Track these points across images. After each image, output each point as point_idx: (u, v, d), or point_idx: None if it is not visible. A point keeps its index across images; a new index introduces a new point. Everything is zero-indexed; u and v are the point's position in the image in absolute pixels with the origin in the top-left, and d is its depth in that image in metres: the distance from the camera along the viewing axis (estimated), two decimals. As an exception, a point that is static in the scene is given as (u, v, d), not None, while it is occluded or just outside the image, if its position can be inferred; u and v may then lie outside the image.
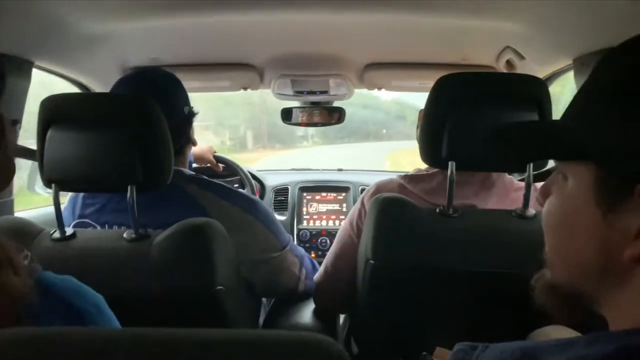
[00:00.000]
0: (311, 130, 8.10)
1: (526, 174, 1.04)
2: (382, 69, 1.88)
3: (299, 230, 2.28)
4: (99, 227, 1.15)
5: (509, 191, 1.20)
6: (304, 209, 2.34)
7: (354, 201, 2.24)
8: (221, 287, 0.99)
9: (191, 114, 1.26)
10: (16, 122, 1.28)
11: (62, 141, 0.98)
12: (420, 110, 1.22)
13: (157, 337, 0.48)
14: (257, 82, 1.99)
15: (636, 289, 0.42)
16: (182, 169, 1.21)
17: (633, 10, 0.97)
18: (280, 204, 2.35)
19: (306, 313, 1.41)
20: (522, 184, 1.08)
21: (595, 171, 0.43)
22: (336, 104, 2.24)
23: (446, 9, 1.29)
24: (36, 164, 1.09)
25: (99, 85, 1.70)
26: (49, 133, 0.98)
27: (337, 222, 2.29)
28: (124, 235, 1.00)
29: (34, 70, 1.32)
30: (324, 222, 2.31)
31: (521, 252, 1.02)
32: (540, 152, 0.63)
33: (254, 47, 1.74)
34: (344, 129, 9.02)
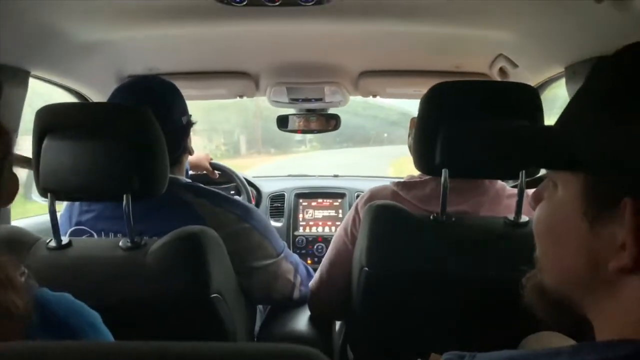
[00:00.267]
0: (309, 134, 7.89)
1: (519, 181, 1.05)
2: (376, 76, 1.90)
3: (295, 236, 2.28)
4: (95, 235, 1.15)
5: (502, 198, 1.20)
6: (300, 216, 2.34)
7: (350, 207, 2.24)
8: (217, 294, 0.99)
9: (189, 124, 1.26)
10: (13, 132, 1.28)
11: (57, 150, 0.98)
12: (412, 118, 1.23)
13: (124, 351, 0.47)
14: (253, 90, 2.00)
15: (621, 300, 0.41)
16: (178, 176, 1.21)
17: (623, 19, 0.98)
18: (277, 211, 2.35)
19: (302, 320, 1.41)
20: (515, 190, 1.09)
21: (583, 180, 0.43)
22: (332, 110, 2.25)
23: (440, 18, 1.30)
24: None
25: (96, 94, 1.71)
26: (45, 142, 0.98)
27: (333, 229, 2.29)
28: (120, 244, 1.01)
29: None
30: (320, 229, 2.31)
31: (514, 259, 1.03)
32: (529, 160, 0.63)
33: (250, 56, 1.75)
34: (343, 134, 8.72)
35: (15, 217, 1.53)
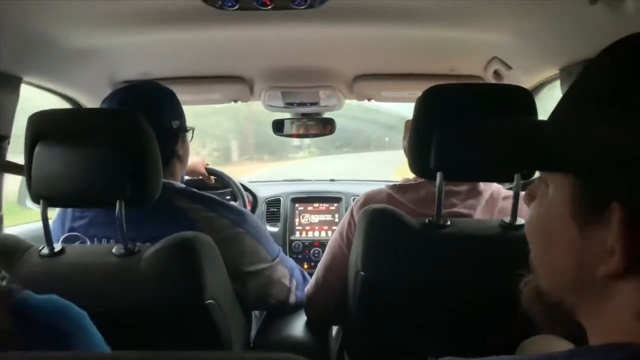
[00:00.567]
0: (307, 139, 7.01)
1: (514, 184, 1.05)
2: (371, 80, 1.90)
3: (291, 241, 2.27)
4: (88, 241, 1.14)
5: (498, 200, 1.20)
6: (296, 220, 2.33)
7: (346, 211, 2.24)
8: (211, 300, 0.99)
9: (181, 129, 1.25)
10: (5, 138, 1.27)
11: (50, 156, 0.97)
12: (407, 121, 1.23)
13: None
14: (247, 95, 2.00)
15: (610, 304, 0.41)
16: (171, 181, 1.20)
17: (617, 20, 0.99)
18: (273, 215, 2.34)
19: (298, 326, 1.40)
20: (511, 193, 1.09)
21: (573, 182, 0.43)
22: (328, 114, 2.25)
23: (434, 20, 1.30)
24: None
25: (90, 100, 1.70)
26: (37, 148, 0.98)
27: (329, 233, 2.28)
28: (113, 250, 1.00)
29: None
30: (316, 233, 2.31)
31: (510, 262, 1.02)
32: (521, 160, 0.63)
33: (244, 60, 1.74)
34: (342, 138, 8.37)
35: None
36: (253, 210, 2.30)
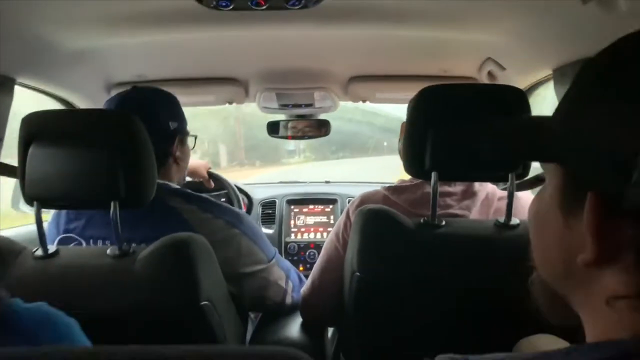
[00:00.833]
0: (302, 144, 7.09)
1: (508, 183, 1.05)
2: (365, 81, 1.90)
3: (286, 243, 2.27)
4: (84, 242, 1.14)
5: (493, 201, 1.21)
6: (292, 222, 2.33)
7: (342, 213, 2.24)
8: (206, 302, 0.98)
9: (179, 131, 1.25)
10: None
11: (43, 158, 0.97)
12: (403, 122, 1.24)
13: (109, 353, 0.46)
14: (242, 96, 2.00)
15: (595, 294, 0.41)
16: (166, 182, 1.20)
17: (610, 20, 0.99)
18: (268, 217, 2.34)
19: (294, 327, 1.40)
20: (506, 193, 1.09)
21: (561, 173, 0.44)
22: (323, 116, 2.25)
23: (427, 21, 1.31)
24: None
25: (84, 102, 1.69)
26: (31, 150, 0.97)
27: (325, 235, 2.28)
28: (108, 251, 0.99)
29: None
30: (311, 235, 2.30)
31: (505, 261, 1.03)
32: (516, 155, 0.63)
33: (239, 62, 1.74)
34: (339, 142, 8.11)
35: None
36: (248, 212, 2.29)
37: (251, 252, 1.21)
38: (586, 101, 0.41)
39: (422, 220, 1.08)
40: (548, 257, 0.48)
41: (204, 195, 1.20)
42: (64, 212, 1.19)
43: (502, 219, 1.07)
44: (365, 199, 1.24)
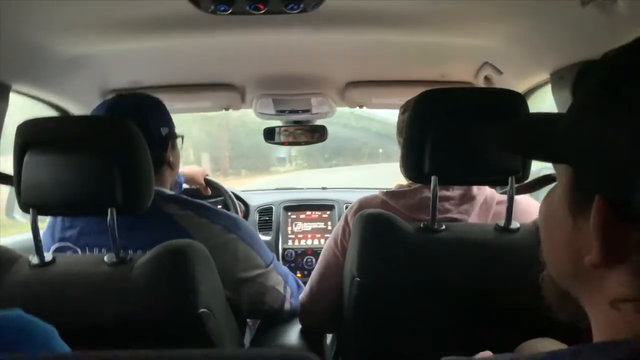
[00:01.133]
0: (293, 151, 6.66)
1: (508, 187, 1.05)
2: (362, 87, 1.90)
3: (284, 249, 2.26)
4: (79, 250, 1.13)
5: (491, 205, 1.20)
6: (289, 229, 2.32)
7: (339, 219, 2.24)
8: (204, 309, 0.97)
9: (170, 136, 1.24)
10: None
11: (39, 165, 0.96)
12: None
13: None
14: (239, 102, 1.99)
15: (601, 295, 0.42)
16: (162, 188, 1.19)
17: (608, 22, 0.99)
18: (265, 224, 2.33)
19: (292, 334, 1.39)
20: (505, 197, 1.09)
21: (570, 174, 0.44)
22: (319, 122, 2.25)
23: (425, 26, 1.31)
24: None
25: (79, 109, 1.68)
26: (26, 157, 0.96)
27: (322, 241, 2.27)
28: (105, 259, 0.98)
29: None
30: (309, 241, 2.29)
31: (506, 265, 1.03)
32: (521, 150, 0.63)
33: (235, 68, 1.74)
34: (332, 149, 7.68)
35: None
36: (245, 218, 2.28)
37: (248, 257, 1.20)
38: (597, 103, 0.41)
39: (422, 225, 1.08)
40: (557, 257, 0.48)
41: (200, 201, 1.19)
42: (59, 220, 1.17)
43: (502, 223, 1.07)
44: (363, 204, 1.24)
